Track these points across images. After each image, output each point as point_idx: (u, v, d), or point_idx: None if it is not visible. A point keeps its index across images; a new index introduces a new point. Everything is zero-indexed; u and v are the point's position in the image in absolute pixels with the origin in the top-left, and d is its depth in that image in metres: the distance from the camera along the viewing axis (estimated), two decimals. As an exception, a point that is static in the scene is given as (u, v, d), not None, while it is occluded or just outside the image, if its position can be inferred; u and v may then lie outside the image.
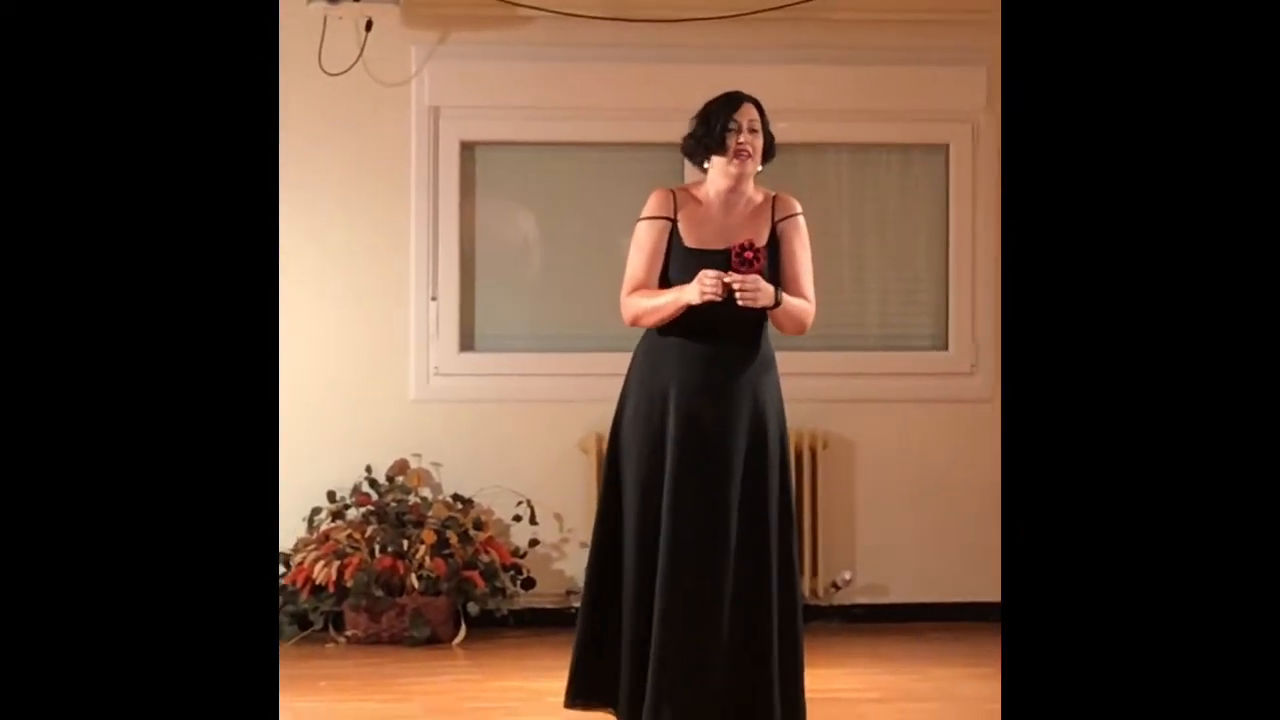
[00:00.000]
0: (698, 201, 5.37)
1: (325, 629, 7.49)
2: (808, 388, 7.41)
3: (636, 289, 5.35)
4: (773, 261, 5.31)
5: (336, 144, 7.73)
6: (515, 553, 7.68)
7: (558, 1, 7.74)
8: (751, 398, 5.29)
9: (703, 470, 5.23)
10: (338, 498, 7.64)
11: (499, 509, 7.75)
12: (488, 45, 7.80)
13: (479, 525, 7.62)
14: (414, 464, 7.73)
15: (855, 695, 6.49)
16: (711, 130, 5.30)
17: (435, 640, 7.43)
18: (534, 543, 7.73)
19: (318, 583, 7.38)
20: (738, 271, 5.21)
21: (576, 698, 5.42)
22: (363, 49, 7.68)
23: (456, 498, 7.68)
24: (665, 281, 5.34)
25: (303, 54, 7.57)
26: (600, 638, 5.35)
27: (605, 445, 5.55)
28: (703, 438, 5.24)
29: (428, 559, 7.42)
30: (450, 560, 7.44)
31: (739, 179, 5.33)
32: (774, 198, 5.41)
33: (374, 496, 7.63)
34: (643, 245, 5.36)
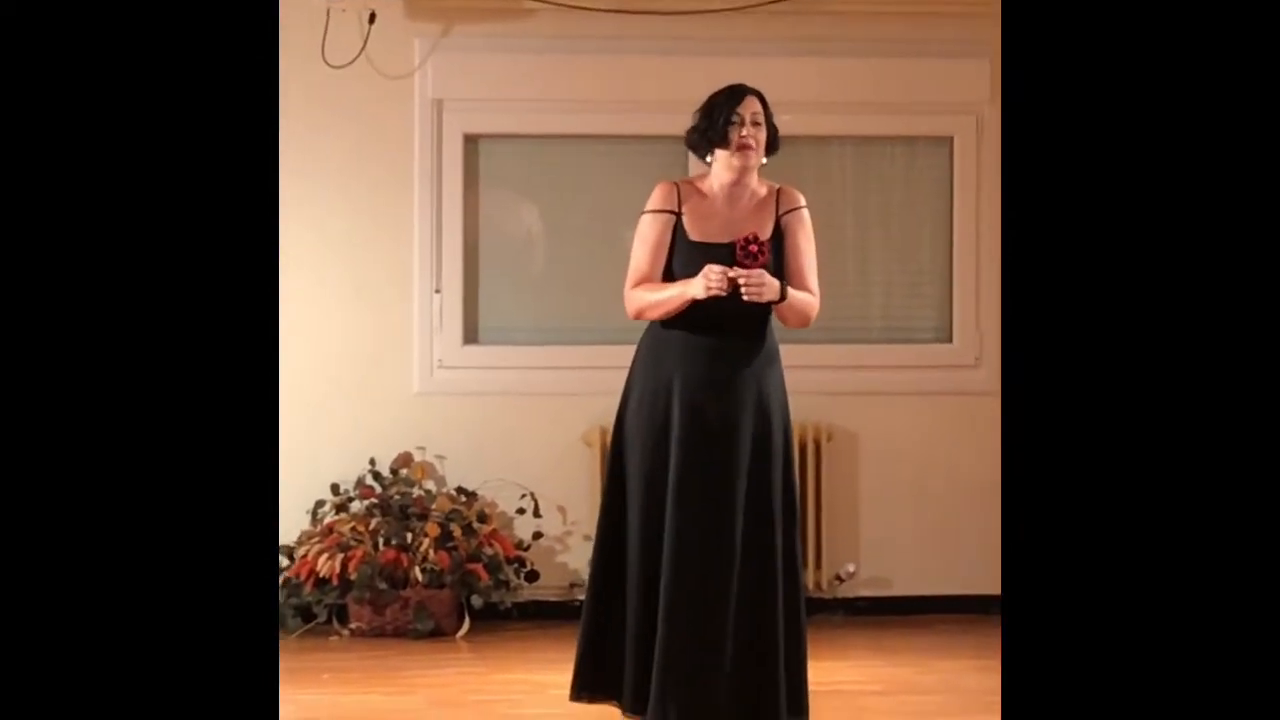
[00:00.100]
0: (702, 194, 5.37)
1: (329, 622, 7.49)
2: (811, 380, 7.41)
3: (640, 282, 5.34)
4: (777, 254, 5.31)
5: (339, 137, 7.72)
6: (519, 545, 7.68)
7: (561, -6, 7.75)
8: (756, 392, 5.29)
9: (707, 467, 5.23)
10: (341, 490, 7.64)
11: (503, 502, 7.75)
12: (491, 38, 7.79)
13: (483, 518, 7.62)
14: (418, 457, 7.73)
15: (858, 688, 6.49)
16: (714, 123, 5.30)
17: (439, 633, 7.44)
18: (538, 535, 7.74)
19: (321, 575, 7.39)
20: (742, 265, 5.21)
21: (581, 691, 5.42)
22: (366, 42, 7.68)
23: (460, 490, 7.69)
24: (669, 274, 5.34)
25: (306, 47, 7.57)
26: (605, 631, 5.36)
27: (609, 438, 5.55)
28: (707, 432, 5.24)
29: (431, 552, 7.42)
30: (454, 553, 7.45)
31: (742, 172, 5.33)
32: (778, 190, 5.40)
33: (378, 489, 7.63)
34: (647, 238, 5.36)
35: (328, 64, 7.63)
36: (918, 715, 6.14)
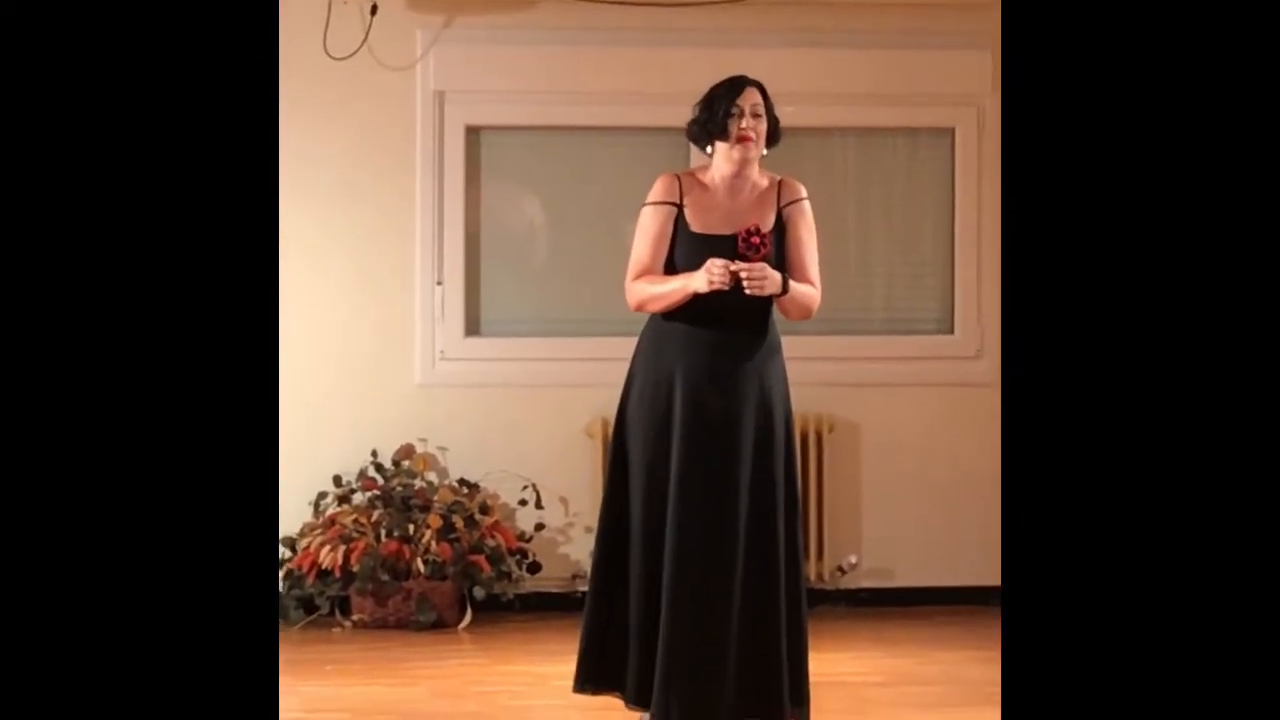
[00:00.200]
0: (703, 186, 5.37)
1: (331, 613, 7.50)
2: (813, 372, 7.41)
3: (642, 274, 5.34)
4: (778, 246, 5.31)
5: (341, 128, 7.72)
6: (521, 537, 7.68)
7: (563, -14, 7.74)
8: (758, 384, 5.29)
9: (709, 460, 5.22)
10: (343, 482, 7.64)
11: (505, 493, 7.76)
12: (493, 29, 7.79)
13: (485, 510, 7.63)
14: (420, 448, 7.74)
15: (859, 679, 6.50)
16: (715, 115, 5.29)
17: (441, 625, 7.44)
18: (540, 527, 7.74)
19: (324, 567, 7.39)
20: (744, 256, 5.21)
21: (585, 683, 5.42)
22: (368, 33, 7.68)
23: (462, 482, 7.69)
24: (671, 266, 5.33)
25: (307, 38, 7.56)
26: (607, 623, 5.36)
27: (611, 430, 5.55)
28: (709, 424, 5.24)
29: (433, 543, 7.42)
30: (456, 545, 7.45)
31: (743, 164, 5.33)
32: (779, 182, 5.40)
33: (380, 481, 7.63)
34: (648, 230, 5.36)
35: (329, 55, 7.63)
36: (919, 706, 6.14)
